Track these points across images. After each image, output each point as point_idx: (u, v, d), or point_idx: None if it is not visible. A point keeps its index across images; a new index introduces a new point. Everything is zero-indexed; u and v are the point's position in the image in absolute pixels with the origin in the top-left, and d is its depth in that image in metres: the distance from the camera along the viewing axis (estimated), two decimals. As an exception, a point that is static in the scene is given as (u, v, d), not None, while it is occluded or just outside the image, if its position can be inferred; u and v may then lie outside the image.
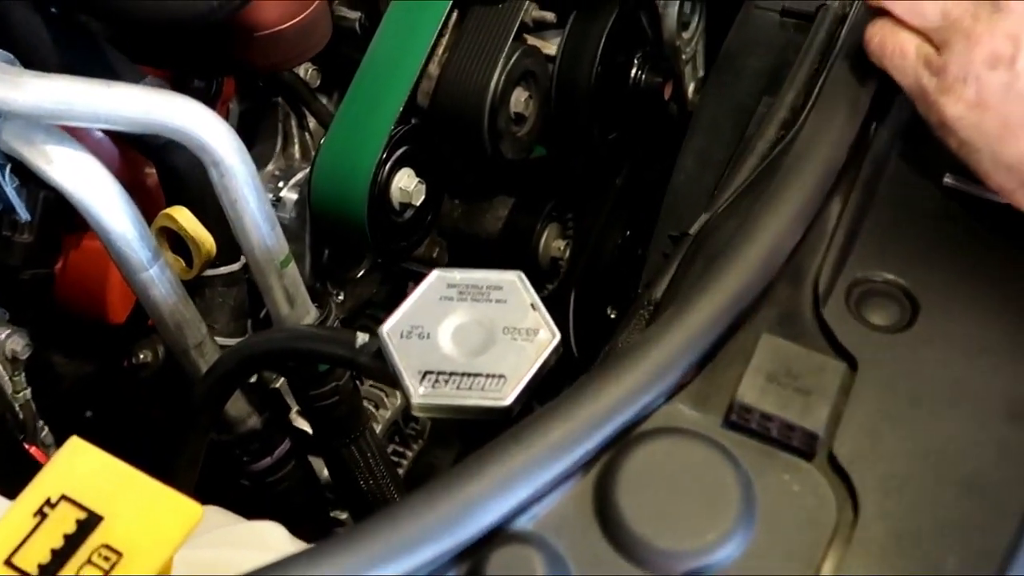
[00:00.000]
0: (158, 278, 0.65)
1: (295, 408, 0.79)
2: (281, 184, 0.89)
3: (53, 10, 0.79)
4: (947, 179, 0.61)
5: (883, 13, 0.61)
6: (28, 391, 0.71)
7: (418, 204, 0.84)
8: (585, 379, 0.50)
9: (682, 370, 0.51)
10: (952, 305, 0.55)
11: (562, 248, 1.04)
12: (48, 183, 0.61)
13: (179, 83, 0.89)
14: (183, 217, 0.71)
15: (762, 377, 0.50)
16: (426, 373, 0.54)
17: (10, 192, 0.64)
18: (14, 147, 0.61)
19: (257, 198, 0.65)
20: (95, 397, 0.87)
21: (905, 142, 0.63)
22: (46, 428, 0.76)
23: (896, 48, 0.60)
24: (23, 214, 0.65)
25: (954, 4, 0.58)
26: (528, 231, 1.02)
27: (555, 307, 1.12)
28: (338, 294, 0.92)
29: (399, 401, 0.92)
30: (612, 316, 1.18)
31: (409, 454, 0.95)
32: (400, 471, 0.95)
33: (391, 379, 0.55)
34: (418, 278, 0.98)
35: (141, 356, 0.87)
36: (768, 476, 0.48)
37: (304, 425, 0.79)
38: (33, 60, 0.74)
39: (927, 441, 0.50)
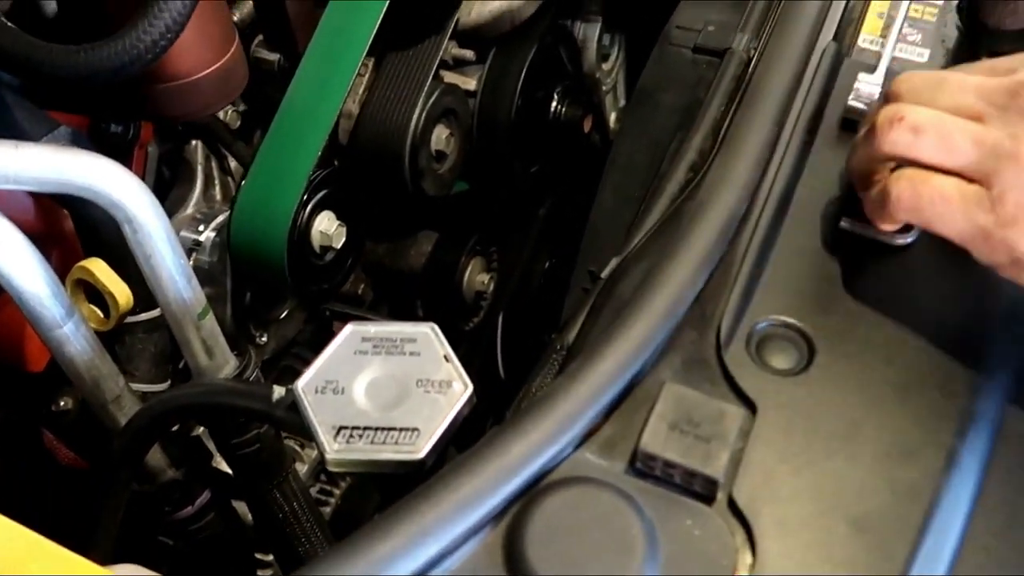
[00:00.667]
0: (73, 335, 0.65)
1: (217, 455, 0.79)
2: (202, 227, 0.89)
3: (-38, 60, 0.79)
4: (843, 223, 0.64)
5: (901, 164, 0.56)
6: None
7: (339, 247, 0.85)
8: (494, 432, 0.52)
9: (588, 420, 0.53)
10: (847, 347, 0.58)
11: (486, 282, 1.06)
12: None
13: (95, 128, 0.88)
14: (99, 270, 0.71)
15: (665, 425, 0.52)
16: (340, 428, 0.54)
17: (-82, 251, 0.63)
18: (-79, 207, 0.60)
19: (172, 252, 0.65)
20: (14, 446, 0.86)
21: (804, 187, 0.66)
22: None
23: (935, 195, 0.54)
24: (-68, 272, 0.64)
25: (983, 129, 0.53)
26: (452, 266, 1.03)
27: (482, 338, 1.14)
28: (261, 335, 0.92)
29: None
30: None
31: (336, 491, 0.95)
32: (327, 509, 0.95)
33: (307, 434, 0.56)
34: (343, 317, 0.99)
35: (62, 404, 0.86)
36: (671, 522, 0.50)
37: (227, 468, 0.79)
38: (-59, 113, 0.74)
39: (821, 482, 0.52)
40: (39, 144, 0.63)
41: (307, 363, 0.57)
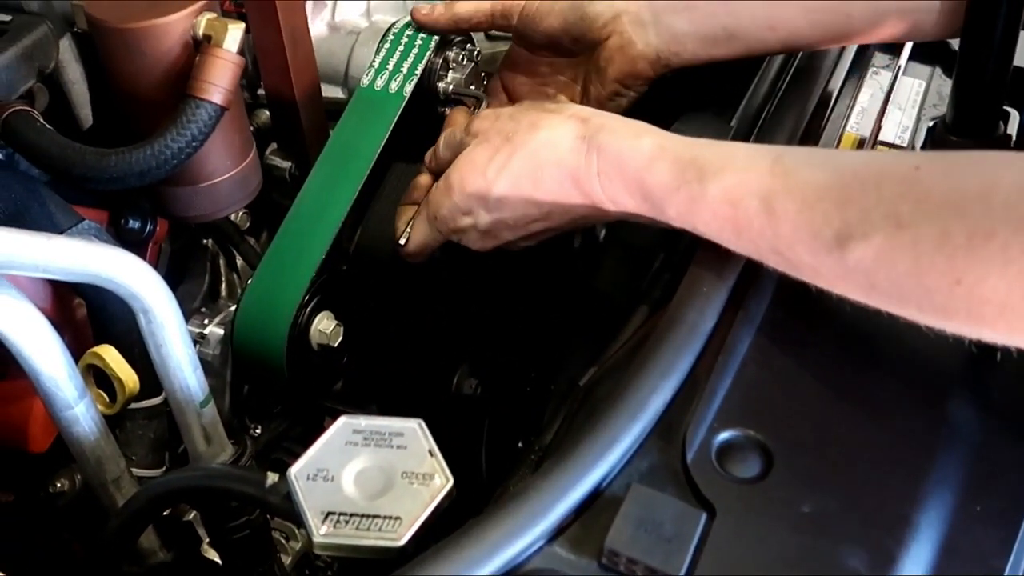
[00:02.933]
0: (83, 416, 0.69)
1: (206, 540, 0.82)
2: (207, 321, 0.95)
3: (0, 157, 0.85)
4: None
5: None
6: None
7: (336, 345, 0.90)
8: (471, 523, 0.56)
9: (558, 517, 0.57)
10: (802, 459, 0.62)
11: (475, 386, 1.10)
12: (-17, 325, 0.65)
13: (115, 223, 0.94)
14: (110, 356, 0.75)
15: (630, 524, 0.56)
16: (328, 514, 0.59)
17: (-55, 331, 0.67)
18: (-48, 290, 0.65)
19: (183, 344, 0.70)
20: (11, 526, 0.89)
21: (772, 306, 0.71)
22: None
23: None
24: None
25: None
26: (444, 372, 1.07)
27: (470, 438, 1.17)
28: (255, 428, 0.96)
29: (309, 533, 0.95)
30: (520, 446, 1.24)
31: (318, 585, 0.98)
32: (309, 602, 0.97)
33: (297, 519, 0.60)
34: (334, 413, 1.03)
35: (58, 485, 0.90)
36: (632, 615, 0.54)
37: (214, 556, 0.82)
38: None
39: (772, 584, 0.56)
40: (68, 237, 0.69)
41: (297, 456, 0.61)
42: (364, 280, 0.96)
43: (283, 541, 0.96)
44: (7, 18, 0.88)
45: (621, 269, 1.03)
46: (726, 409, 0.64)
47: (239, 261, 1.04)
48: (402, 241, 0.88)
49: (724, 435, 0.63)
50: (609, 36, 0.87)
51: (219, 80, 0.76)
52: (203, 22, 0.78)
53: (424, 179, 0.90)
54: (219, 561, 0.80)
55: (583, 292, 1.05)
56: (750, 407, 0.65)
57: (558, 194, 0.74)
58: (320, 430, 0.63)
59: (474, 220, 0.80)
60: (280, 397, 0.99)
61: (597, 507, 0.58)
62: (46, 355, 0.66)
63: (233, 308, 0.98)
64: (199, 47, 0.78)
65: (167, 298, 0.69)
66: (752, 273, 0.72)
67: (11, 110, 0.81)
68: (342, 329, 0.91)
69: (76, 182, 0.77)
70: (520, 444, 1.23)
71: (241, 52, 0.79)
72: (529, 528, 0.55)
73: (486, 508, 0.58)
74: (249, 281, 0.91)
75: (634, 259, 1.02)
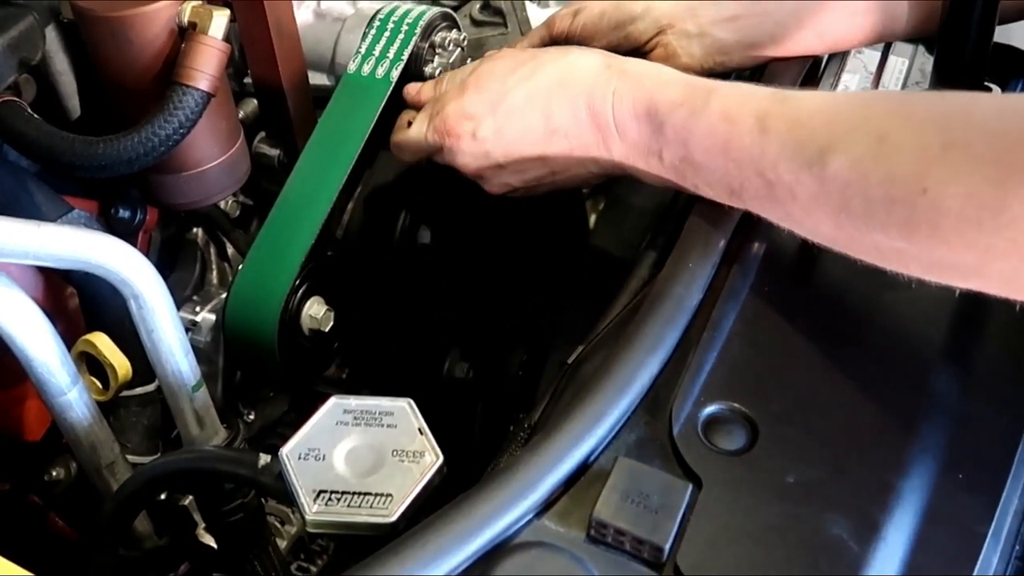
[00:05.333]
0: (76, 402, 0.70)
1: (201, 525, 0.82)
2: (198, 308, 0.95)
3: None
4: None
5: None
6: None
7: (327, 330, 0.91)
8: (461, 497, 0.56)
9: (547, 490, 0.57)
10: (787, 431, 0.63)
11: (466, 370, 1.11)
12: (-26, 313, 0.66)
13: (104, 213, 0.95)
14: (102, 343, 0.76)
15: (617, 495, 0.57)
16: (320, 492, 0.59)
17: (-63, 320, 0.68)
18: (-57, 279, 0.66)
19: (173, 329, 0.70)
20: (7, 514, 0.89)
21: (757, 281, 0.72)
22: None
23: None
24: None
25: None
26: (436, 357, 1.08)
27: (463, 421, 1.18)
28: (248, 413, 0.97)
29: (304, 517, 0.96)
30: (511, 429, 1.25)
31: (313, 569, 0.98)
32: (305, 585, 0.98)
33: (289, 498, 0.61)
34: (326, 399, 1.04)
35: (54, 473, 0.91)
36: (620, 585, 0.54)
37: (209, 541, 0.82)
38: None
39: (758, 555, 0.57)
40: (58, 224, 0.70)
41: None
42: (353, 266, 0.97)
43: (278, 525, 0.97)
44: (-8, 9, 0.88)
45: (616, 232, 1.04)
46: (712, 383, 0.65)
47: (229, 249, 1.04)
48: (395, 132, 0.88)
49: (710, 408, 0.64)
50: (653, 49, 0.88)
51: (205, 67, 0.76)
52: (188, 9, 0.78)
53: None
54: (214, 545, 0.81)
55: (577, 259, 1.05)
56: (736, 381, 0.66)
57: (570, 116, 0.74)
58: (311, 412, 0.64)
59: (475, 126, 0.78)
60: (273, 382, 0.99)
61: (585, 480, 0.59)
62: (38, 342, 0.66)
63: (224, 295, 0.99)
64: (184, 34, 0.78)
65: (157, 283, 0.69)
66: (737, 248, 0.73)
67: (-1, 101, 0.81)
68: (333, 314, 0.91)
69: (65, 170, 0.77)
70: (512, 427, 1.24)
71: (227, 39, 0.79)
72: (517, 502, 0.56)
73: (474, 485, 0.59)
74: (239, 268, 0.91)
75: (622, 244, 1.03)
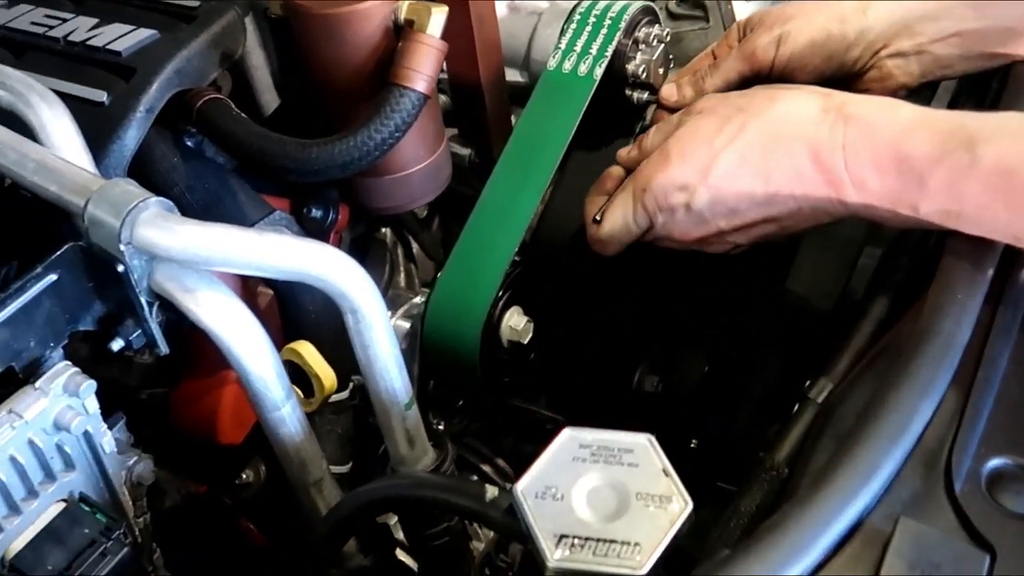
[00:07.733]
0: (289, 416, 0.67)
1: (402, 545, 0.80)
2: (390, 314, 0.92)
3: (189, 144, 0.84)
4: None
5: None
6: (148, 516, 0.73)
7: (526, 342, 0.86)
8: (726, 557, 0.51)
9: (821, 551, 0.51)
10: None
11: (655, 383, 1.05)
12: (195, 323, 0.64)
13: (296, 211, 0.93)
14: (308, 354, 0.74)
15: (903, 563, 0.51)
16: (562, 537, 0.55)
17: (155, 328, 0.66)
18: (166, 288, 0.64)
19: (389, 344, 0.67)
20: (202, 517, 0.88)
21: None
22: (158, 550, 0.77)
23: None
24: (163, 348, 0.68)
25: None
26: (625, 368, 1.03)
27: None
28: (438, 423, 0.94)
29: (492, 534, 0.92)
30: (692, 446, 1.19)
31: (506, 585, 0.95)
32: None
33: (521, 536, 0.56)
34: (515, 411, 1.00)
35: (244, 476, 0.89)
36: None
37: (407, 560, 0.80)
38: (171, 193, 0.79)
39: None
40: (277, 233, 0.67)
41: (478, 453, 0.57)
42: (543, 273, 0.92)
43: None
44: (195, 3, 0.86)
45: (821, 267, 0.96)
46: (992, 432, 0.58)
47: (415, 250, 1.01)
48: (597, 218, 0.81)
49: (993, 462, 0.56)
50: (867, 71, 0.81)
51: (423, 67, 0.72)
52: (405, 6, 0.75)
53: (617, 170, 0.85)
54: (414, 566, 0.78)
55: (775, 294, 0.98)
56: (1019, 430, 0.58)
57: (792, 174, 0.68)
58: (502, 427, 0.59)
59: (688, 198, 0.72)
60: (465, 393, 0.96)
61: (859, 541, 0.53)
62: (257, 356, 0.64)
63: (414, 299, 0.96)
64: (400, 32, 0.75)
65: (376, 298, 0.66)
66: (1002, 281, 0.65)
67: (205, 98, 0.79)
68: (532, 325, 0.87)
69: (275, 174, 0.74)
70: (693, 443, 1.18)
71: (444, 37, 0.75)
72: (790, 564, 0.50)
73: (737, 543, 0.53)
74: (439, 275, 0.87)
75: (837, 254, 0.96)
